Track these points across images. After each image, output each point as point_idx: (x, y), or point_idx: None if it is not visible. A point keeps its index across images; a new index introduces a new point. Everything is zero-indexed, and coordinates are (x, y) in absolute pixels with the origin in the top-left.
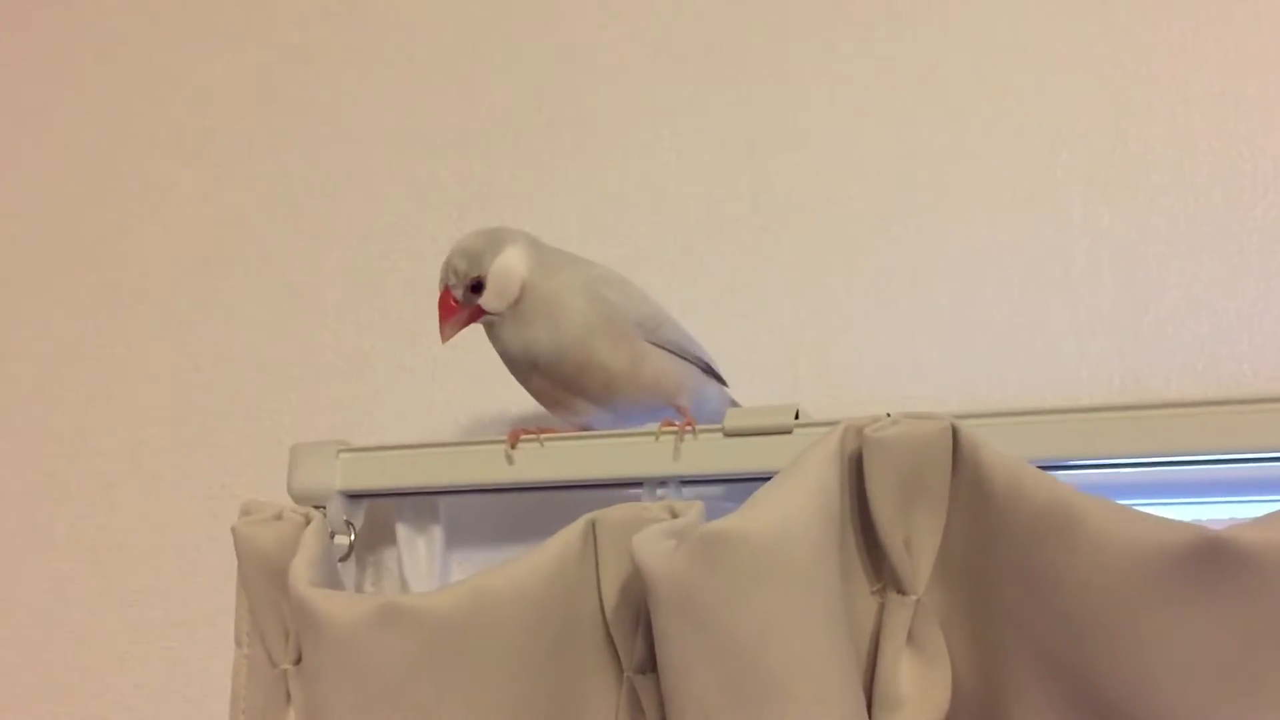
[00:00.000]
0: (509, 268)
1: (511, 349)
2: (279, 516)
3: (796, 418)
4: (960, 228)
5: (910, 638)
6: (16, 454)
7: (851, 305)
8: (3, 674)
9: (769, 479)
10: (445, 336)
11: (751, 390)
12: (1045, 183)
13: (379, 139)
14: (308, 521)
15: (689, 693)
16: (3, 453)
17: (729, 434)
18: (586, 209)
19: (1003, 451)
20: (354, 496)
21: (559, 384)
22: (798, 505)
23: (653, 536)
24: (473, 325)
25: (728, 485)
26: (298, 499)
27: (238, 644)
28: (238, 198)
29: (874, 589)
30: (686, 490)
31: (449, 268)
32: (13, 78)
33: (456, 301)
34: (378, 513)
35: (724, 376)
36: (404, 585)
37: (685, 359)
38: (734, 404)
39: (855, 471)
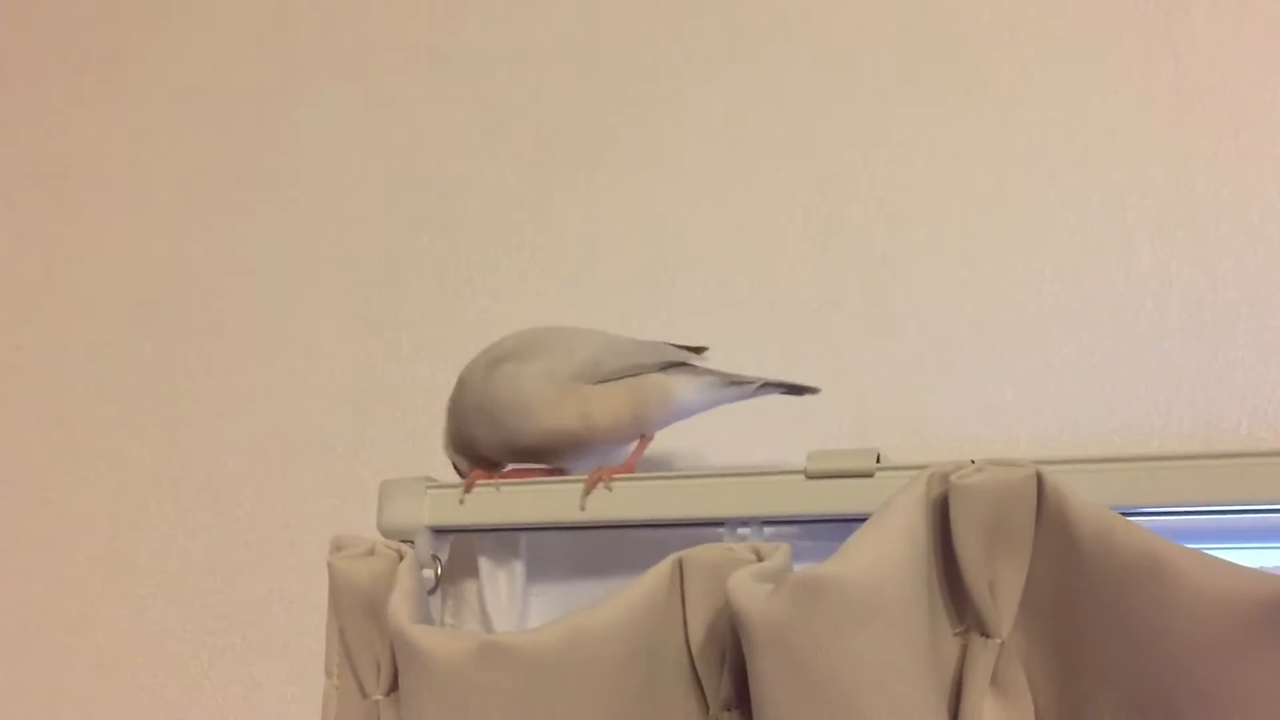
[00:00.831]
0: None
1: (493, 456)
2: (372, 552)
3: (878, 461)
4: (1029, 272)
5: (994, 680)
6: (100, 484)
7: (921, 349)
8: (84, 701)
9: (849, 520)
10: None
11: (821, 432)
12: (1114, 229)
13: (457, 180)
14: (401, 557)
15: None
16: (88, 484)
17: (811, 476)
18: (655, 249)
19: (1090, 500)
20: (440, 531)
21: (530, 459)
22: (890, 550)
23: (747, 579)
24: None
25: (805, 525)
26: (386, 533)
27: (328, 674)
28: (317, 235)
29: (956, 631)
30: (767, 530)
31: None
32: (103, 115)
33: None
34: (459, 547)
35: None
36: (484, 617)
37: (640, 374)
38: (735, 381)
39: (940, 516)
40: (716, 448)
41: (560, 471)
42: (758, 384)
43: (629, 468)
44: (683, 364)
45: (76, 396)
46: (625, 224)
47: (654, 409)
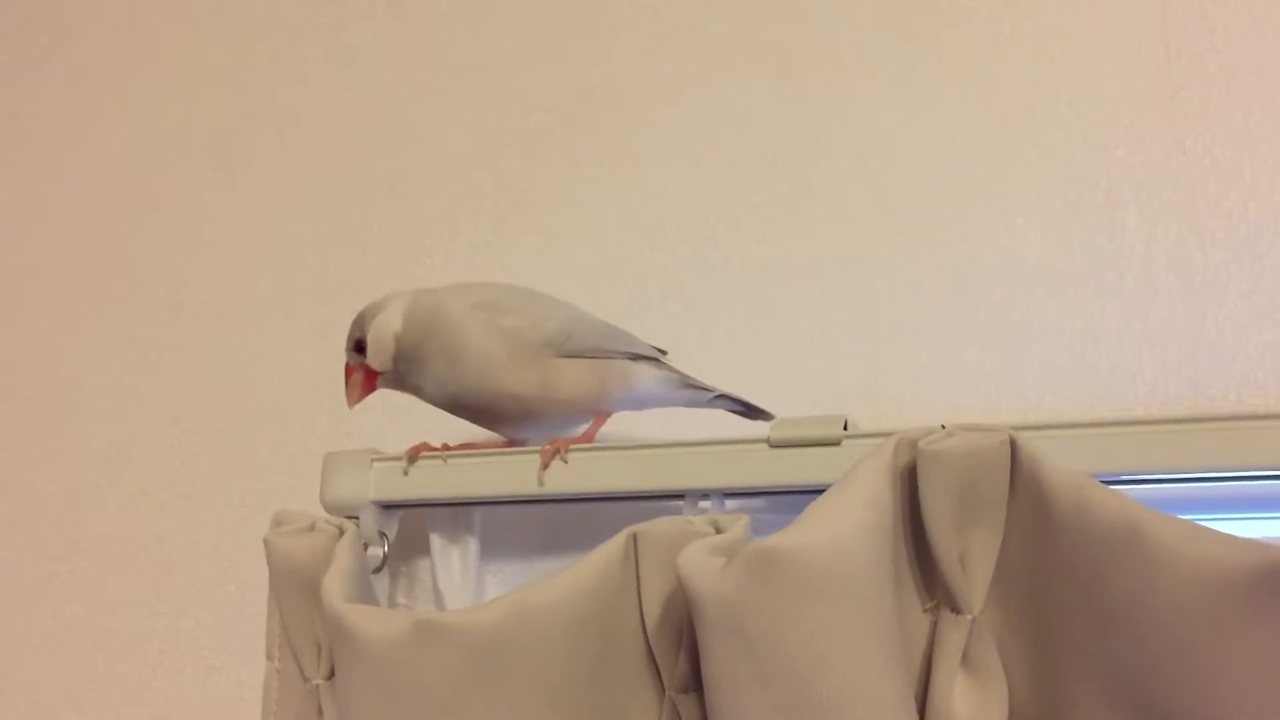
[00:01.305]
0: (384, 324)
1: (425, 395)
2: (312, 528)
3: (845, 429)
4: (1010, 233)
5: (965, 658)
6: (50, 463)
7: (898, 313)
8: (35, 683)
9: (815, 492)
10: (349, 403)
11: (795, 401)
12: (1099, 186)
13: (415, 143)
14: (341, 533)
15: (736, 715)
16: (36, 461)
17: (775, 445)
18: (626, 213)
19: (1065, 467)
20: (388, 507)
21: (481, 419)
22: (851, 521)
23: (699, 553)
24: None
25: (770, 497)
26: (330, 509)
27: (269, 657)
28: (271, 204)
29: (926, 607)
30: (730, 503)
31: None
32: (53, 84)
33: (351, 367)
34: (411, 523)
35: (660, 349)
36: (438, 597)
37: (607, 358)
38: (690, 384)
39: (908, 485)
40: (681, 419)
41: (513, 442)
42: (715, 394)
43: (588, 438)
44: (648, 358)
45: (25, 371)
46: (592, 188)
47: (615, 393)
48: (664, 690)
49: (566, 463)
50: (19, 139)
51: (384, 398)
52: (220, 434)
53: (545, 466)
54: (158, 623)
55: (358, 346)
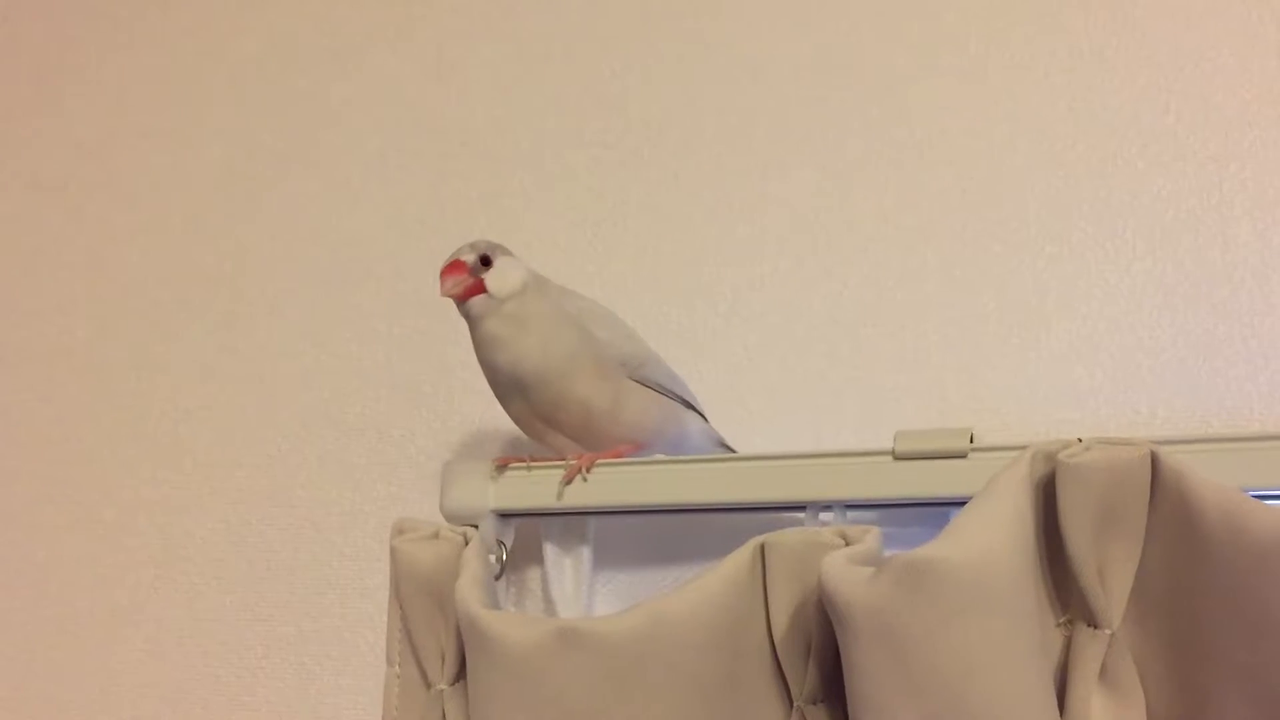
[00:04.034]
0: (515, 265)
1: (498, 361)
2: (436, 535)
3: (971, 441)
4: (1119, 246)
5: (1102, 674)
6: (153, 471)
7: (1004, 328)
8: (137, 692)
9: (938, 504)
10: (445, 290)
11: (898, 418)
12: (1210, 200)
13: (512, 156)
14: (466, 541)
15: None
16: (139, 469)
17: (899, 457)
18: (724, 228)
19: (1212, 480)
20: (505, 515)
21: (538, 414)
22: (998, 533)
23: (842, 564)
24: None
25: (885, 511)
26: (450, 518)
27: (390, 662)
28: (371, 214)
29: (1060, 621)
30: (852, 514)
31: (461, 248)
32: (126, 93)
33: (466, 268)
34: (522, 532)
35: (706, 413)
36: (548, 605)
37: (667, 396)
38: (723, 444)
39: (1045, 498)
40: (791, 431)
41: (540, 438)
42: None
43: (618, 455)
44: (698, 411)
45: (127, 383)
46: (691, 201)
47: (667, 432)
48: (792, 701)
49: (586, 480)
50: (110, 153)
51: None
52: (320, 443)
53: (569, 481)
54: (258, 629)
55: (484, 259)
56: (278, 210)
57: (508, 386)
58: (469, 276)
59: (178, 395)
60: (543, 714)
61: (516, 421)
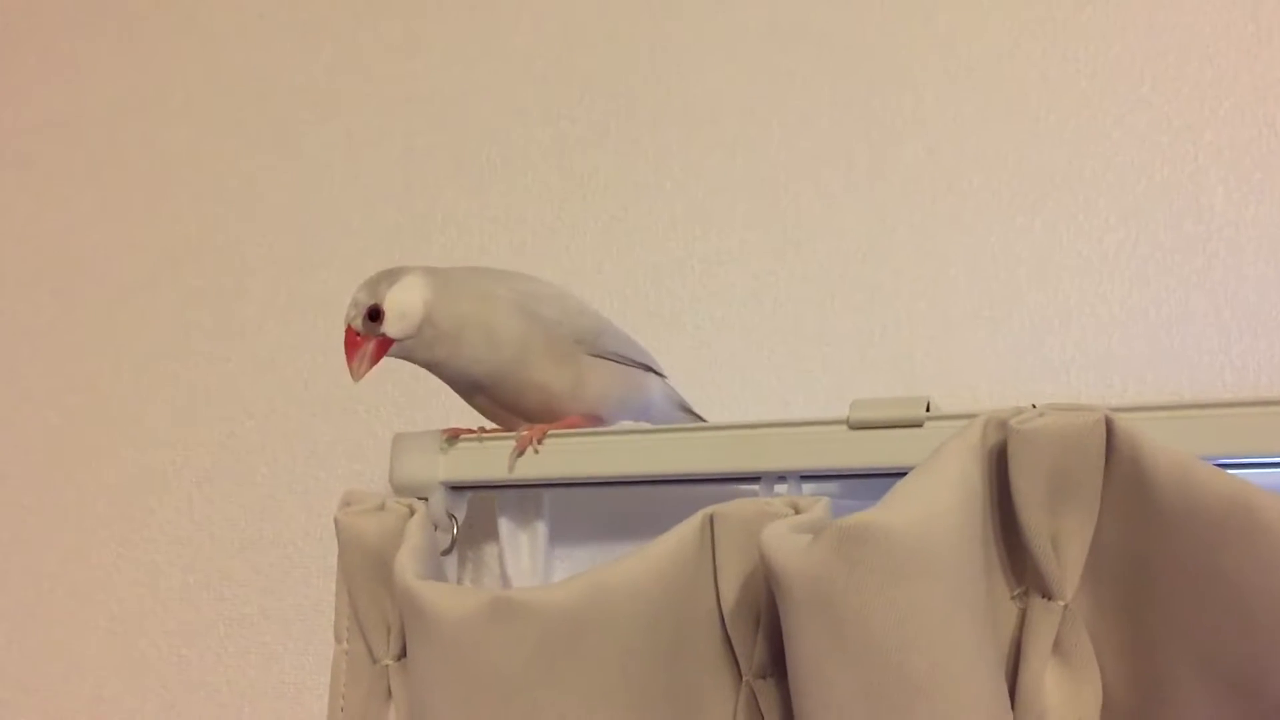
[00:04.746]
0: (406, 289)
1: (448, 375)
2: (381, 507)
3: (928, 410)
4: (1092, 217)
5: (1056, 646)
6: (112, 447)
7: (974, 299)
8: (97, 667)
9: (895, 475)
10: (355, 374)
11: (868, 390)
12: (1184, 169)
13: (481, 133)
14: (411, 512)
15: (824, 698)
16: (98, 445)
17: (854, 426)
18: (692, 201)
19: (1167, 446)
20: (457, 488)
21: (501, 404)
22: (942, 498)
23: (783, 532)
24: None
25: (843, 481)
26: (399, 490)
27: (337, 639)
28: (335, 195)
29: (1014, 593)
30: (805, 486)
31: (349, 307)
32: (117, 65)
33: (360, 335)
34: (478, 506)
35: (663, 369)
36: (505, 581)
37: (627, 365)
38: (684, 406)
39: (997, 466)
40: (750, 401)
41: (505, 426)
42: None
43: (570, 425)
44: (658, 374)
45: (90, 362)
46: (657, 174)
47: (634, 401)
48: (741, 675)
49: (538, 453)
50: (79, 126)
51: (440, 382)
52: (284, 420)
53: (520, 453)
54: (222, 609)
55: (371, 314)
56: (242, 187)
57: (465, 387)
58: (366, 341)
59: (140, 373)
60: (477, 687)
61: (481, 412)
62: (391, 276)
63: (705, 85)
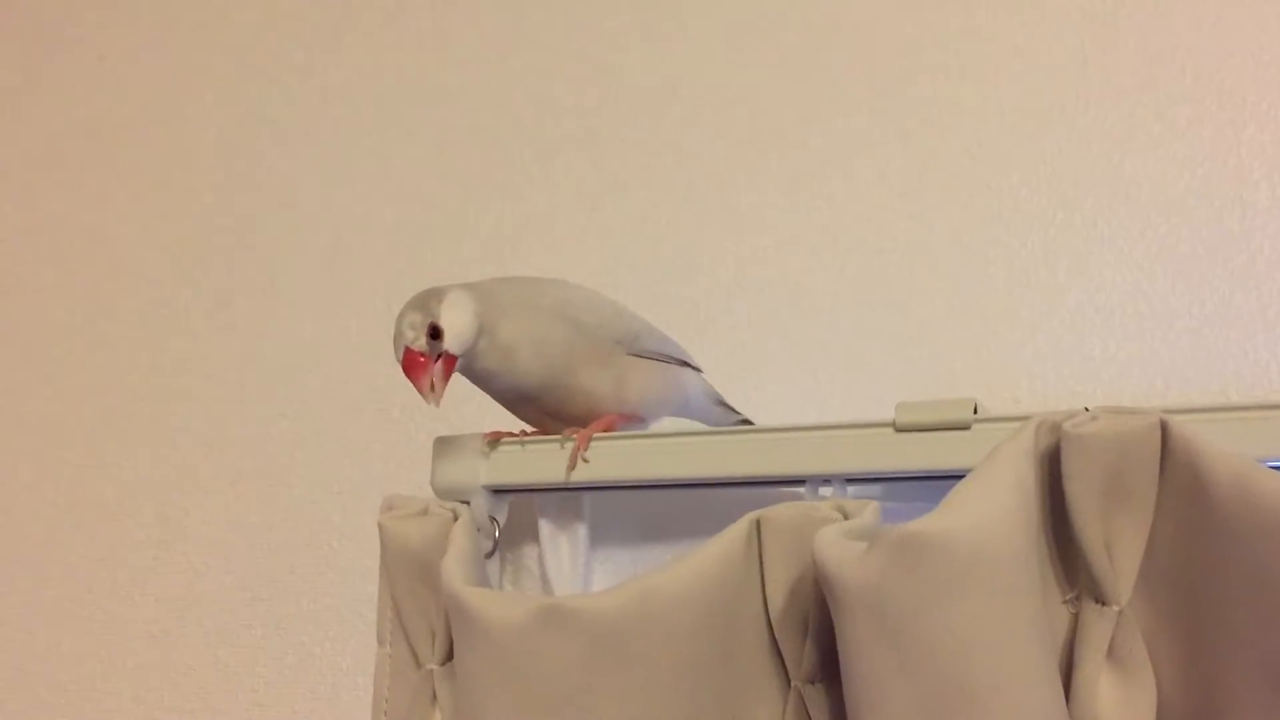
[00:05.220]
0: (456, 306)
1: (499, 386)
2: (425, 512)
3: (975, 412)
4: (1133, 214)
5: (1110, 652)
6: (153, 450)
7: (1014, 299)
8: (137, 671)
9: (941, 478)
10: (431, 397)
11: (908, 393)
12: (1227, 164)
13: (513, 132)
14: (455, 517)
15: (880, 708)
16: (139, 448)
17: (900, 429)
18: (726, 199)
19: (1224, 449)
20: (498, 492)
21: (546, 412)
22: (998, 506)
23: (836, 538)
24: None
25: (889, 485)
26: (441, 494)
27: (380, 642)
28: (369, 189)
29: (1066, 598)
30: (851, 489)
31: (400, 332)
32: (143, 81)
33: (424, 355)
34: (518, 509)
35: (701, 366)
36: (545, 584)
37: (666, 362)
38: (721, 401)
39: (1050, 470)
40: (795, 407)
41: (545, 430)
42: (739, 418)
43: (610, 428)
44: (695, 369)
45: (125, 363)
46: (691, 172)
47: (673, 397)
48: (789, 680)
49: (588, 461)
50: (107, 125)
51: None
52: (320, 421)
53: (572, 467)
54: (258, 609)
55: (433, 332)
56: (276, 186)
57: (513, 399)
58: (431, 361)
59: (176, 374)
60: (527, 694)
61: (525, 420)
62: (437, 295)
63: (740, 82)
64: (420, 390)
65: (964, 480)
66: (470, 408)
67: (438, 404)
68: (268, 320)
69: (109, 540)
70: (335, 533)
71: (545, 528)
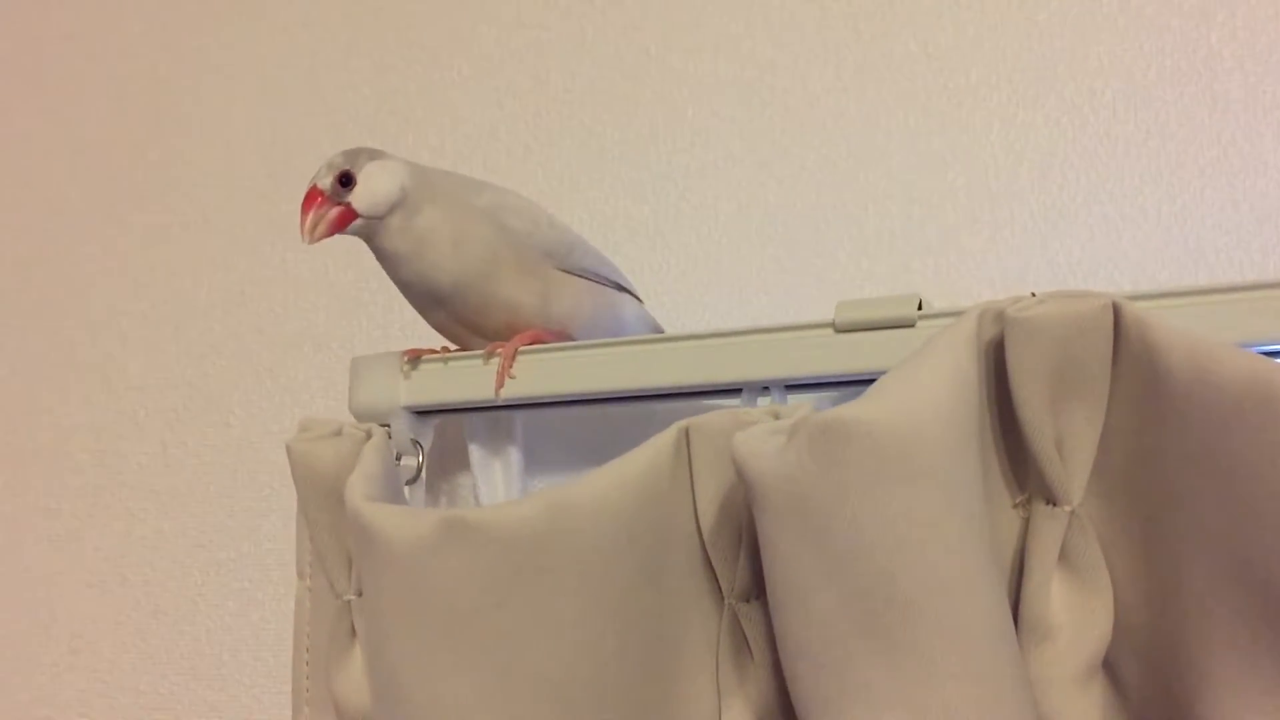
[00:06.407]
0: (386, 169)
1: (407, 276)
2: (338, 433)
3: (920, 308)
4: (1098, 109)
5: (1062, 556)
6: (87, 395)
7: (974, 202)
8: (75, 619)
9: None
10: (310, 235)
11: (852, 294)
12: (1196, 54)
13: (450, 44)
14: (369, 437)
15: (804, 615)
16: (70, 393)
17: (841, 329)
18: (673, 109)
19: (1183, 330)
20: (422, 413)
21: (461, 321)
22: (932, 392)
23: (756, 435)
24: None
25: (830, 391)
26: (360, 416)
27: (300, 575)
28: (303, 114)
29: (1016, 501)
30: (792, 397)
31: (320, 168)
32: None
33: (324, 196)
34: (450, 433)
35: (639, 294)
36: None
37: (600, 283)
38: (659, 329)
39: (995, 361)
40: (740, 321)
41: (466, 347)
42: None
43: (538, 340)
44: (633, 295)
45: (56, 303)
46: (636, 82)
47: (605, 321)
48: (723, 598)
49: (514, 377)
50: (39, 55)
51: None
52: (256, 359)
53: (500, 386)
54: (198, 555)
55: (343, 179)
56: (205, 117)
57: (423, 299)
58: (329, 205)
59: (108, 314)
60: (430, 614)
61: (439, 330)
62: (374, 154)
63: None
64: (301, 227)
65: (894, 369)
66: (412, 340)
67: (308, 241)
68: (200, 256)
69: (44, 488)
70: (276, 474)
71: (476, 453)
